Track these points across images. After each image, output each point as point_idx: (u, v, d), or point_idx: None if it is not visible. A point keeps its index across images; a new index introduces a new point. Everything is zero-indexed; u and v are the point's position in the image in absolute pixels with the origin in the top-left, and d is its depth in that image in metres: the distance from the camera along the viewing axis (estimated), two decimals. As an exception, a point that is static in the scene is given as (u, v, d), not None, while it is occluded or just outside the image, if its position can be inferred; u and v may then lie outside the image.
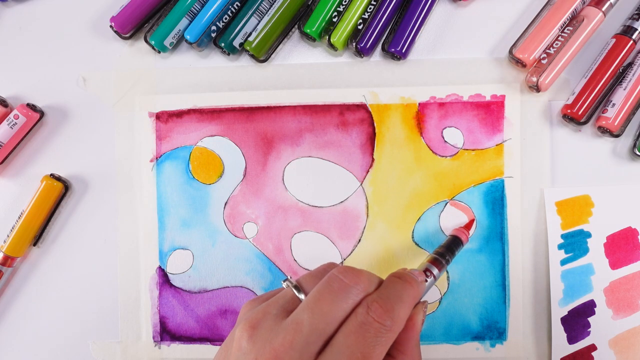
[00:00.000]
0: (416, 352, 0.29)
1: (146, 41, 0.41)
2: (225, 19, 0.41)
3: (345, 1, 0.41)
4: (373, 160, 0.41)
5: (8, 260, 0.41)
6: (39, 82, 0.43)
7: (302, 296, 0.29)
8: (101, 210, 0.42)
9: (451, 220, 0.41)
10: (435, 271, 0.33)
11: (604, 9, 0.39)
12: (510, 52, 0.40)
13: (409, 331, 0.29)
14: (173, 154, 0.42)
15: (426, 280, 0.32)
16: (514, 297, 0.40)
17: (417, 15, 0.40)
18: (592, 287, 0.40)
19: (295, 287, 0.29)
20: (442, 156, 0.41)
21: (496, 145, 0.41)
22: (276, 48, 0.42)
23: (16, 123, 0.41)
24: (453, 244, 0.37)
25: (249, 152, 0.42)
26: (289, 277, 0.30)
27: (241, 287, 0.42)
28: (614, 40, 0.40)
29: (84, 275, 0.42)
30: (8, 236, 0.41)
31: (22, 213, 0.41)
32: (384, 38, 0.41)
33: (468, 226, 0.39)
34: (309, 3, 0.41)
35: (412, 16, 0.40)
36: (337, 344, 0.26)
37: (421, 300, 0.31)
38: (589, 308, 0.40)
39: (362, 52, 0.40)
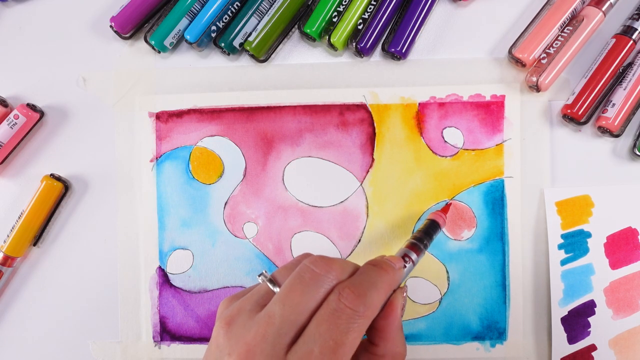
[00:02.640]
0: (398, 338, 0.29)
1: (146, 41, 0.41)
2: (225, 19, 0.41)
3: (345, 1, 0.41)
4: (373, 160, 0.41)
5: (8, 260, 0.41)
6: (39, 82, 0.43)
7: (276, 289, 0.28)
8: (101, 210, 0.42)
9: (451, 220, 0.41)
10: (413, 256, 0.33)
11: (604, 8, 0.39)
12: (510, 52, 0.40)
13: (388, 317, 0.29)
14: (173, 154, 0.42)
15: (404, 266, 0.32)
16: (514, 297, 0.40)
17: (417, 15, 0.40)
18: (592, 287, 0.40)
19: (270, 280, 0.29)
20: (442, 156, 0.41)
21: (496, 145, 0.41)
22: (276, 48, 0.42)
23: (16, 123, 0.41)
24: (431, 228, 0.36)
25: (249, 152, 0.42)
26: (264, 272, 0.30)
27: (241, 287, 0.42)
28: (614, 40, 0.40)
29: (84, 276, 0.42)
30: (8, 236, 0.41)
31: (22, 213, 0.41)
32: (384, 38, 0.41)
33: (445, 210, 0.39)
34: (309, 3, 0.41)
35: (412, 16, 0.40)
36: (309, 333, 0.26)
37: (401, 285, 0.31)
38: (589, 308, 0.40)
39: (362, 52, 0.40)
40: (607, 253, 0.40)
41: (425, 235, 0.35)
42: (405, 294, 0.30)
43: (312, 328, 0.26)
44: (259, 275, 0.30)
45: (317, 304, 0.27)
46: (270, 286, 0.29)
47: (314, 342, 0.26)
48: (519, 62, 0.40)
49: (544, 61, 0.39)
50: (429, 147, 0.41)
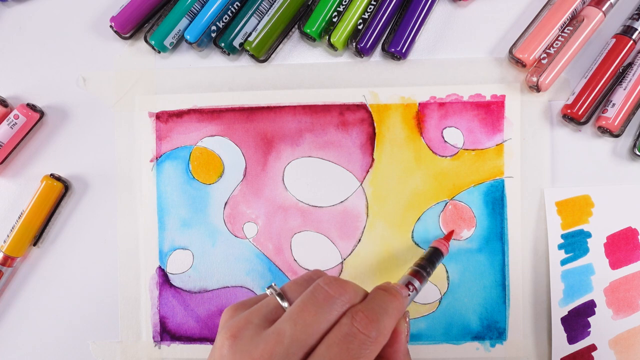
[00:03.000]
0: None
1: (146, 41, 0.41)
2: (225, 19, 0.41)
3: (345, 1, 0.41)
4: (373, 160, 0.41)
5: (8, 260, 0.41)
6: (39, 82, 0.43)
7: (285, 305, 0.28)
8: (101, 210, 0.42)
9: (451, 220, 0.41)
10: (417, 284, 0.32)
11: (604, 8, 0.39)
12: (510, 52, 0.40)
13: (394, 344, 0.28)
14: (173, 154, 0.42)
15: (409, 294, 0.31)
16: (514, 297, 0.40)
17: (417, 15, 0.40)
18: (592, 287, 0.40)
19: (279, 295, 0.28)
20: (442, 156, 0.41)
21: (496, 145, 0.41)
22: (276, 48, 0.42)
23: (16, 123, 0.41)
24: (433, 256, 0.36)
25: (249, 152, 0.42)
26: (273, 284, 0.29)
27: (241, 287, 0.42)
28: (614, 40, 0.40)
29: (84, 275, 0.42)
30: (8, 236, 0.41)
31: (22, 213, 0.41)
32: (384, 38, 0.41)
33: (447, 237, 0.39)
34: (309, 3, 0.41)
35: (412, 16, 0.40)
36: (319, 356, 0.25)
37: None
38: (589, 308, 0.40)
39: (362, 52, 0.40)
40: (607, 253, 0.40)
41: (428, 263, 0.35)
42: (408, 320, 0.30)
43: (322, 350, 0.25)
44: (268, 288, 0.29)
45: (328, 326, 0.26)
46: (279, 300, 0.28)
47: None
48: (519, 62, 0.40)
49: (544, 61, 0.39)
50: (429, 147, 0.41)
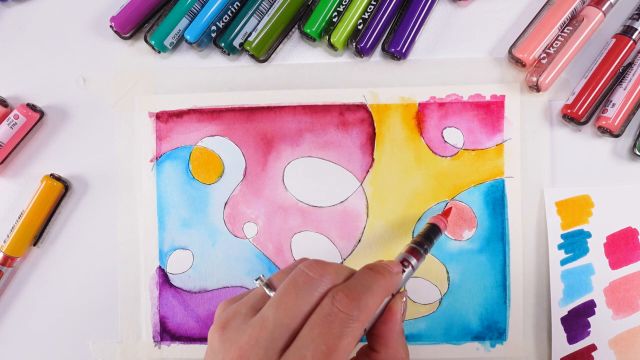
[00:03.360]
0: (400, 344, 0.29)
1: (146, 41, 0.41)
2: (225, 19, 0.41)
3: (345, 1, 0.41)
4: (373, 160, 0.41)
5: (8, 260, 0.41)
6: (39, 82, 0.43)
7: (272, 294, 0.28)
8: (101, 210, 0.42)
9: (451, 220, 0.41)
10: (413, 261, 0.32)
11: (604, 8, 0.39)
12: (510, 52, 0.40)
13: (388, 323, 0.29)
14: (173, 154, 0.42)
15: (403, 271, 0.31)
16: (514, 297, 0.40)
17: (417, 15, 0.40)
18: (592, 287, 0.40)
19: (266, 285, 0.29)
20: (442, 156, 0.41)
21: (496, 145, 0.41)
22: (276, 48, 0.42)
23: (16, 123, 0.41)
24: (432, 233, 0.36)
25: (249, 152, 0.42)
26: (261, 276, 0.29)
27: (241, 287, 0.42)
28: (614, 40, 0.40)
29: (84, 275, 0.42)
30: (8, 236, 0.41)
31: (22, 213, 0.41)
32: (384, 38, 0.41)
33: (446, 213, 0.39)
34: (309, 3, 0.41)
35: (412, 16, 0.40)
36: (302, 337, 0.26)
37: (400, 290, 0.30)
38: (589, 308, 0.40)
39: (362, 52, 0.40)
40: (607, 253, 0.40)
41: (425, 239, 0.35)
42: (404, 299, 0.30)
43: (305, 332, 0.26)
44: (256, 279, 0.29)
45: (311, 308, 0.27)
46: (266, 290, 0.28)
47: (306, 347, 0.25)
48: (519, 62, 0.40)
49: (544, 61, 0.39)
50: (429, 147, 0.41)
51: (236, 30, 0.40)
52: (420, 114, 0.41)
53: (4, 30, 0.43)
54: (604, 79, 0.39)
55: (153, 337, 0.42)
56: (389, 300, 0.30)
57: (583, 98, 0.39)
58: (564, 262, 0.40)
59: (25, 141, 0.42)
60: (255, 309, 0.28)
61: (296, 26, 0.41)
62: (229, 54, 0.41)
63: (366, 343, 0.30)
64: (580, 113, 0.39)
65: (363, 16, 0.40)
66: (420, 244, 0.34)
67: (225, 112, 0.42)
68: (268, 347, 0.25)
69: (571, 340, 0.40)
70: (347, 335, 0.26)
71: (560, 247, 0.40)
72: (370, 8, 0.40)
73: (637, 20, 0.39)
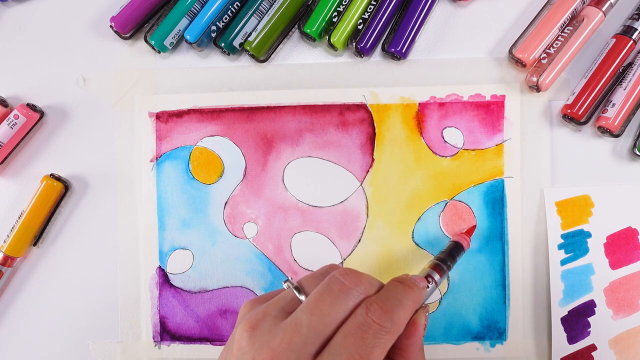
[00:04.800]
0: (421, 357, 0.29)
1: (146, 41, 0.41)
2: (225, 19, 0.41)
3: (345, 1, 0.41)
4: (373, 160, 0.41)
5: (8, 260, 0.41)
6: (39, 82, 0.43)
7: (302, 297, 0.28)
8: (101, 210, 0.42)
9: (451, 220, 0.41)
10: (436, 277, 0.33)
11: (604, 8, 0.39)
12: (510, 52, 0.40)
13: (411, 337, 0.29)
14: (173, 154, 0.42)
15: (428, 286, 0.32)
16: (514, 297, 0.40)
17: (417, 15, 0.40)
18: (592, 287, 0.40)
19: (296, 288, 0.29)
20: (442, 156, 0.41)
21: (496, 145, 0.41)
22: (276, 48, 0.42)
23: (16, 123, 0.41)
24: (454, 250, 0.37)
25: (249, 152, 0.42)
26: (289, 278, 0.30)
27: (241, 287, 0.42)
28: (614, 40, 0.40)
29: (84, 276, 0.42)
30: (8, 236, 0.41)
31: (22, 213, 0.41)
32: (384, 38, 0.41)
33: (469, 232, 0.39)
34: (309, 3, 0.41)
35: (412, 16, 0.40)
36: (335, 345, 0.26)
37: (422, 305, 0.31)
38: (589, 308, 0.40)
39: (362, 52, 0.40)
40: (607, 253, 0.40)
41: (448, 256, 0.35)
42: (427, 313, 0.30)
43: (338, 340, 0.26)
44: (285, 282, 0.29)
45: (344, 316, 0.27)
46: (297, 294, 0.29)
47: (339, 355, 0.25)
48: (519, 62, 0.40)
49: (544, 61, 0.39)
50: (429, 147, 0.41)
51: (236, 30, 0.40)
52: (420, 114, 0.41)
53: (4, 30, 0.43)
54: (604, 79, 0.39)
55: (153, 337, 0.42)
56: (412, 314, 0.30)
57: (583, 98, 0.39)
58: (564, 262, 0.40)
59: (25, 141, 0.42)
60: (286, 312, 0.28)
61: (296, 26, 0.41)
62: (229, 54, 0.41)
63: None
64: (580, 113, 0.39)
65: (363, 16, 0.40)
66: (443, 261, 0.35)
67: (225, 112, 0.42)
68: (300, 352, 0.26)
69: (571, 340, 0.40)
70: (379, 346, 0.26)
71: (560, 247, 0.40)
72: (370, 8, 0.40)
73: (637, 20, 0.39)
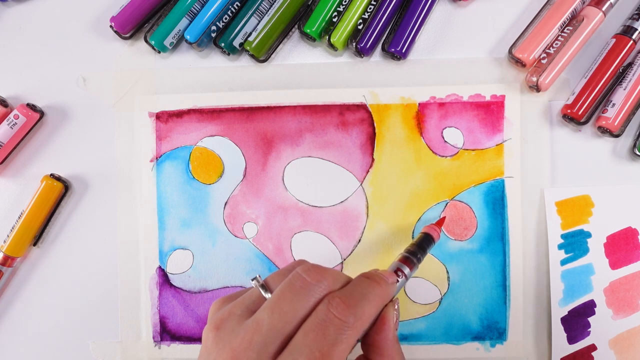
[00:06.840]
0: (395, 352, 0.29)
1: (146, 41, 0.41)
2: (225, 19, 0.41)
3: (345, 1, 0.41)
4: (373, 160, 0.41)
5: (8, 260, 0.41)
6: (39, 82, 0.43)
7: (267, 295, 0.28)
8: (101, 210, 0.42)
9: (451, 220, 0.41)
10: (406, 270, 0.32)
11: (604, 8, 0.39)
12: (510, 51, 0.40)
13: (381, 332, 0.28)
14: (173, 154, 0.42)
15: (397, 281, 0.31)
16: (514, 297, 0.40)
17: (417, 15, 0.40)
18: (592, 287, 0.40)
19: (262, 286, 0.29)
20: (442, 156, 0.41)
21: (496, 145, 0.41)
22: (276, 48, 0.42)
23: (16, 123, 0.41)
24: (424, 242, 0.36)
25: (249, 152, 0.42)
26: (257, 276, 0.29)
27: (241, 287, 0.42)
28: (614, 40, 0.40)
29: (84, 276, 0.42)
30: (8, 236, 0.41)
31: (22, 213, 0.41)
32: (384, 38, 0.41)
33: (440, 223, 0.39)
34: (309, 3, 0.41)
35: (412, 16, 0.40)
36: (296, 343, 0.25)
37: (392, 299, 0.30)
38: (589, 308, 0.40)
39: (362, 52, 0.40)
40: (607, 253, 0.40)
41: (418, 248, 0.35)
42: (396, 306, 0.30)
43: (299, 337, 0.26)
44: (252, 279, 0.29)
45: (306, 313, 0.26)
46: (262, 292, 0.28)
47: (299, 352, 0.25)
48: (519, 62, 0.40)
49: (544, 61, 0.39)
50: (429, 147, 0.41)
51: (236, 30, 0.40)
52: (420, 114, 0.41)
53: (4, 30, 0.43)
54: (604, 79, 0.39)
55: (153, 337, 0.42)
56: (381, 309, 0.29)
57: (583, 98, 0.39)
58: (564, 262, 0.40)
59: (25, 141, 0.42)
60: (251, 311, 0.28)
61: (296, 26, 0.41)
62: (229, 54, 0.41)
63: (361, 353, 0.30)
64: (580, 113, 0.39)
65: (363, 16, 0.40)
66: (413, 254, 0.34)
67: (225, 112, 0.42)
68: (261, 351, 0.25)
69: (571, 340, 0.40)
70: (341, 342, 0.26)
71: (560, 247, 0.40)
72: (370, 8, 0.40)
73: (637, 20, 0.39)
